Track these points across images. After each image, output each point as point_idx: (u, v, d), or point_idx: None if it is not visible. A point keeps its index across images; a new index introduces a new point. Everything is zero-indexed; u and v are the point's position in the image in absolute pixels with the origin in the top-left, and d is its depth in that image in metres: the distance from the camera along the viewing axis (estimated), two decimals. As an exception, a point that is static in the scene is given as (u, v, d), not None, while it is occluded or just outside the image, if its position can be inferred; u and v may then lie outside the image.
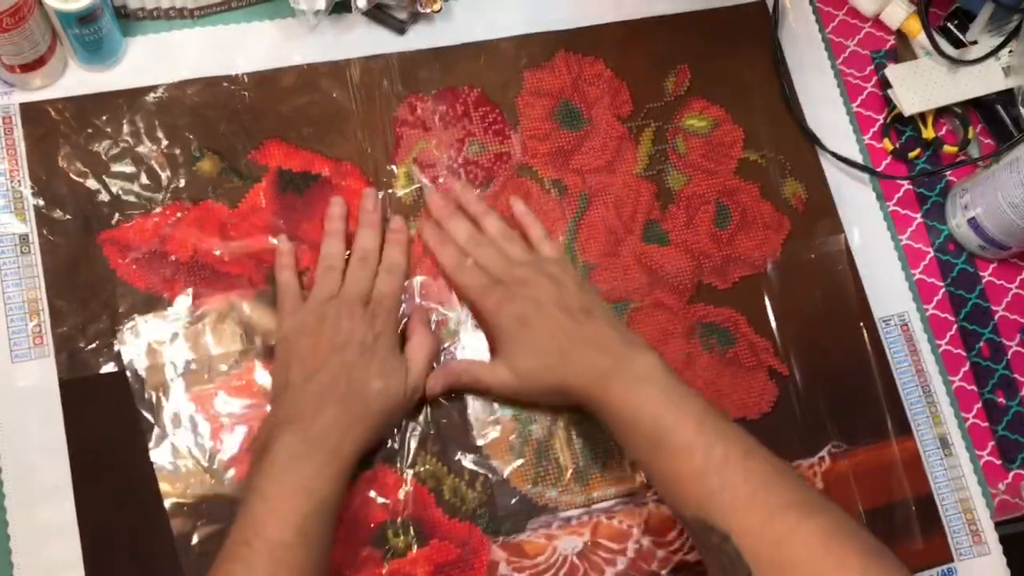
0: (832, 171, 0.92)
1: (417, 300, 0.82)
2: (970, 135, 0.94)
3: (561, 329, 0.75)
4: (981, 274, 0.92)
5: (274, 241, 0.81)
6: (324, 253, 0.81)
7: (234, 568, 0.63)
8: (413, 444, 0.78)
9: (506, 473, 0.78)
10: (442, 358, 0.80)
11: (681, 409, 0.69)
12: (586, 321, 0.76)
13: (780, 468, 0.67)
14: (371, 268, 0.80)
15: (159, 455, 0.74)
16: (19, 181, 0.79)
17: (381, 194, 0.84)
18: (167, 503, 0.73)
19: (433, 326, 0.81)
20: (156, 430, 0.75)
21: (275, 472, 0.67)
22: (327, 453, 0.69)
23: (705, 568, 0.70)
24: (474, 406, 0.80)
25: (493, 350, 0.80)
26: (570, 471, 0.79)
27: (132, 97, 0.83)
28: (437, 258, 0.82)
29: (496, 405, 0.80)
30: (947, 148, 0.94)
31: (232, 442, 0.76)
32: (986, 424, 0.87)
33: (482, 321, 0.81)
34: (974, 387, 0.88)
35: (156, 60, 0.85)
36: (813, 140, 0.92)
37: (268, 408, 0.76)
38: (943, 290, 0.90)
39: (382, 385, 0.74)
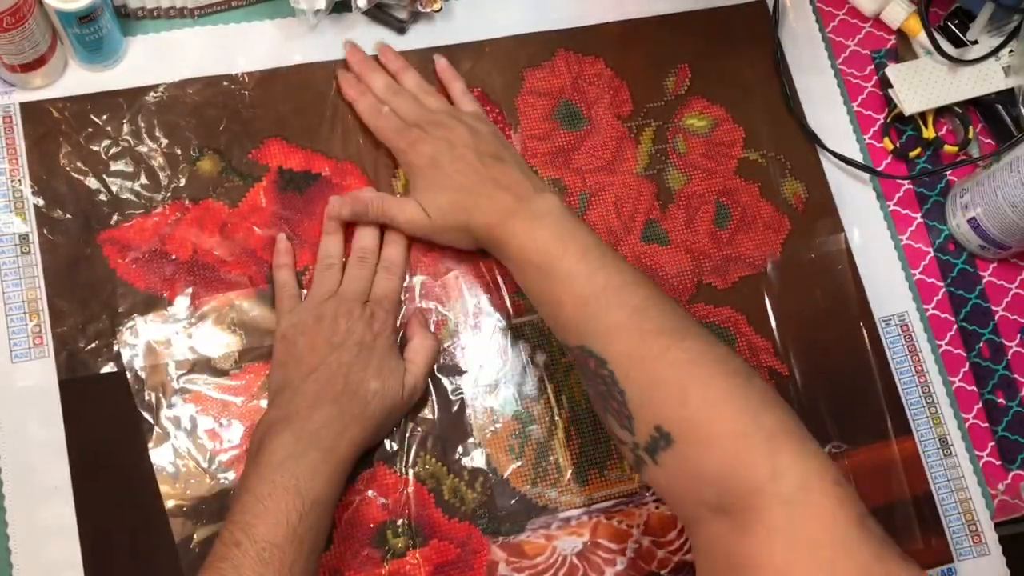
0: (832, 171, 0.92)
1: (417, 300, 0.82)
2: (970, 135, 0.94)
3: (471, 169, 0.78)
4: (981, 274, 0.92)
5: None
6: (322, 252, 0.81)
7: (223, 568, 0.63)
8: (413, 444, 0.78)
9: (506, 473, 0.78)
10: (441, 359, 0.80)
11: (570, 241, 0.72)
12: (495, 164, 0.78)
13: (659, 297, 0.69)
14: (370, 267, 0.80)
15: (159, 455, 0.74)
16: (19, 180, 0.79)
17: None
18: (167, 504, 0.73)
19: (432, 326, 0.81)
20: (156, 430, 0.75)
21: (268, 472, 0.67)
22: (322, 452, 0.69)
23: (592, 402, 0.72)
24: (474, 407, 0.80)
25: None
26: (570, 471, 0.79)
27: (132, 97, 0.83)
28: (355, 106, 0.84)
29: (496, 406, 0.80)
30: (947, 148, 0.94)
31: (232, 443, 0.76)
32: (986, 424, 0.87)
33: (398, 160, 0.83)
34: (974, 387, 0.88)
35: (156, 60, 0.85)
36: (813, 139, 0.92)
37: (263, 407, 0.76)
38: (943, 290, 0.90)
39: (379, 385, 0.74)
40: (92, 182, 0.80)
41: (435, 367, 0.80)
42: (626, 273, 0.70)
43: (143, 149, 0.82)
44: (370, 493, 0.76)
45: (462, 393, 0.80)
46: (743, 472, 0.60)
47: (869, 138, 0.95)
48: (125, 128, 0.82)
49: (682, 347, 0.65)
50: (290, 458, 0.68)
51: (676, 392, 0.64)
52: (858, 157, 0.92)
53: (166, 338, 0.77)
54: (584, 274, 0.70)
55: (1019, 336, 0.90)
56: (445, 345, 0.81)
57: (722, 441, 0.62)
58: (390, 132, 0.82)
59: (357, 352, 0.75)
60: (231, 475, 0.75)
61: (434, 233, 0.80)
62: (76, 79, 0.83)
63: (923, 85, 0.93)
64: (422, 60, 0.88)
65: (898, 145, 0.94)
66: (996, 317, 0.90)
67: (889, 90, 0.94)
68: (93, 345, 0.76)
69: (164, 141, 0.82)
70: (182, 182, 0.82)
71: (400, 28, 0.89)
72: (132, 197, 0.81)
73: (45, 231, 0.78)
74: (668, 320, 0.67)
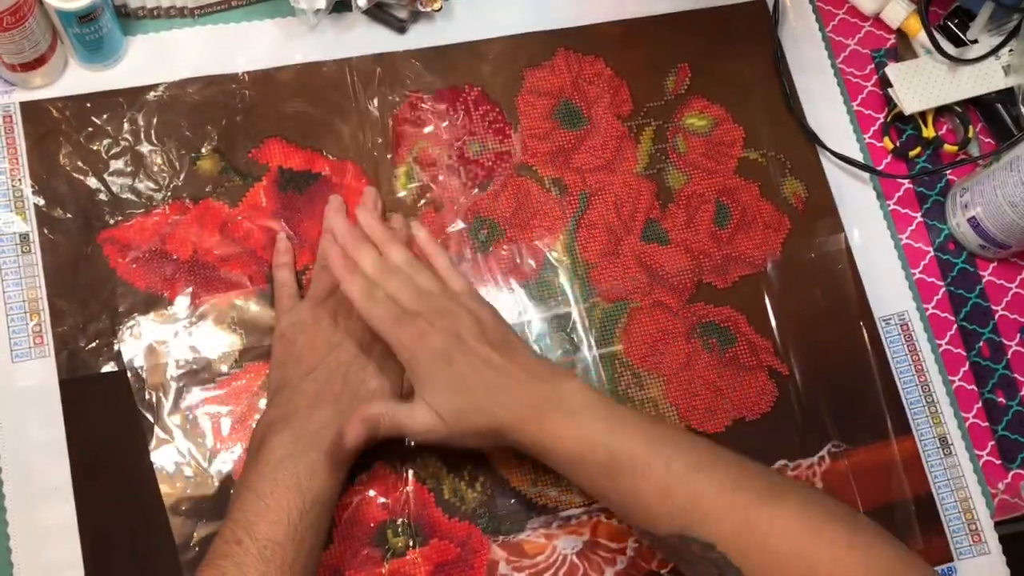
0: (832, 170, 0.92)
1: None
2: (970, 134, 0.94)
3: (486, 365, 0.71)
4: (981, 273, 0.92)
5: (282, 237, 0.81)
6: (321, 251, 0.80)
7: (224, 565, 0.63)
8: (413, 444, 0.78)
9: (506, 473, 0.78)
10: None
11: (628, 429, 0.68)
12: (510, 355, 0.72)
13: (741, 464, 0.67)
14: None
15: (159, 455, 0.74)
16: (20, 180, 0.79)
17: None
18: (167, 503, 0.73)
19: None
20: (156, 430, 0.75)
21: (268, 470, 0.67)
22: (321, 451, 0.69)
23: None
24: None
25: (408, 388, 0.75)
26: (570, 471, 0.79)
27: (132, 96, 0.83)
28: (344, 287, 0.73)
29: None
30: (947, 147, 0.94)
31: (232, 442, 0.76)
32: (986, 424, 0.87)
33: (397, 354, 0.73)
34: (974, 387, 0.88)
35: (156, 59, 0.85)
36: (813, 139, 0.92)
37: (263, 406, 0.76)
38: (943, 289, 0.90)
39: (378, 385, 0.74)
40: (92, 182, 0.80)
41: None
42: (698, 447, 0.68)
43: (143, 149, 0.82)
44: (370, 492, 0.76)
45: (462, 393, 0.80)
46: None
47: (869, 137, 0.95)
48: (125, 128, 0.82)
49: (787, 511, 0.64)
50: (290, 457, 0.68)
51: (801, 560, 0.62)
52: (858, 156, 0.92)
53: (166, 337, 0.77)
54: (658, 462, 0.66)
55: (1019, 335, 0.90)
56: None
57: None
58: (388, 321, 0.72)
59: (356, 351, 0.74)
60: (232, 474, 0.75)
61: (451, 439, 0.71)
62: (76, 79, 0.83)
63: (923, 84, 0.93)
64: (423, 60, 0.89)
65: (898, 144, 0.94)
66: (996, 316, 0.90)
67: (889, 89, 0.94)
68: (93, 345, 0.76)
69: (164, 141, 0.82)
70: (182, 182, 0.82)
71: (400, 28, 0.89)
72: (132, 197, 0.81)
73: (45, 230, 0.78)
74: (761, 484, 0.66)
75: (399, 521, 0.76)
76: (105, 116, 0.82)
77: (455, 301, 0.74)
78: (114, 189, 0.80)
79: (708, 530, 0.64)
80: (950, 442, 0.85)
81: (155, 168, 0.82)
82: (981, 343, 0.89)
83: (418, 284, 0.74)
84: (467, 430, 0.71)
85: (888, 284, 0.89)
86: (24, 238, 0.78)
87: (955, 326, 0.89)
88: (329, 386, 0.72)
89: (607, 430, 0.67)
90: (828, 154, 0.92)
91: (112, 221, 0.80)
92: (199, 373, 0.77)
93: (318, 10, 0.85)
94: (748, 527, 0.63)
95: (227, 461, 0.75)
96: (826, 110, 0.94)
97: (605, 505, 0.71)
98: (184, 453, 0.75)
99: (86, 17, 0.77)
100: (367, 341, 0.75)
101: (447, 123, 0.87)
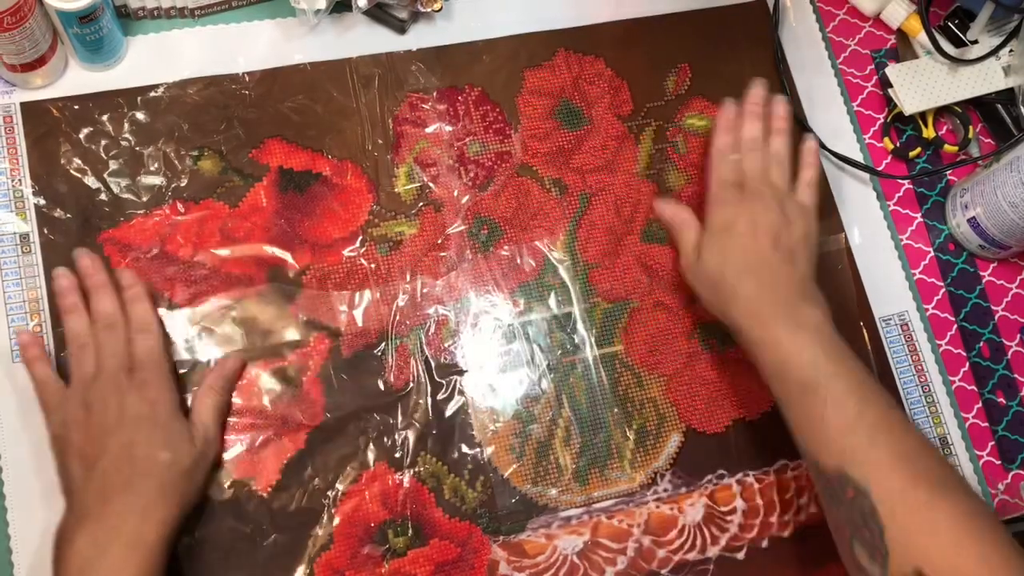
0: (832, 170, 0.92)
1: (419, 299, 0.82)
2: (970, 134, 0.94)
3: (758, 253, 0.77)
4: (981, 274, 0.92)
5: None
6: (70, 333, 0.74)
7: None
8: (413, 444, 0.78)
9: (506, 473, 0.78)
10: (442, 359, 0.80)
11: (842, 364, 0.70)
12: (783, 261, 0.77)
13: (927, 444, 0.68)
14: (120, 332, 0.74)
15: (159, 455, 0.74)
16: (20, 180, 0.79)
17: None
18: (167, 503, 0.73)
19: (433, 326, 0.81)
20: (156, 430, 0.75)
21: None
22: (125, 547, 0.65)
23: (829, 521, 0.70)
24: (474, 406, 0.80)
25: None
26: (570, 471, 0.79)
27: (133, 96, 0.83)
28: (714, 134, 0.85)
29: (496, 406, 0.80)
30: (947, 147, 0.94)
31: (231, 442, 0.76)
32: (986, 424, 0.87)
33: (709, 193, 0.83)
34: (974, 387, 0.88)
35: (157, 59, 0.85)
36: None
37: (266, 405, 0.76)
38: (943, 290, 0.90)
39: (170, 455, 0.69)
40: (92, 182, 0.80)
41: (434, 367, 0.80)
42: (895, 412, 0.69)
43: (143, 149, 0.82)
44: (370, 493, 0.76)
45: (463, 393, 0.80)
46: None
47: (869, 138, 0.95)
48: (125, 128, 0.82)
49: (955, 500, 0.64)
50: (89, 563, 0.64)
51: (950, 543, 0.62)
52: (858, 157, 0.92)
53: (166, 337, 0.77)
54: (856, 403, 0.68)
55: (1019, 336, 0.90)
56: (445, 345, 0.81)
57: None
58: (717, 181, 0.82)
59: (137, 428, 0.69)
60: (230, 475, 0.75)
61: (692, 275, 0.81)
62: (76, 79, 0.83)
63: (923, 85, 0.93)
64: (423, 60, 0.89)
65: (898, 145, 0.94)
66: (996, 317, 0.90)
67: (889, 90, 0.94)
68: (93, 345, 0.76)
69: (164, 141, 0.82)
70: (182, 182, 0.82)
71: (400, 28, 0.89)
72: (132, 197, 0.81)
73: (46, 231, 0.78)
74: (938, 470, 0.66)
75: (399, 521, 0.76)
76: (105, 116, 0.82)
77: (781, 201, 0.80)
78: (114, 189, 0.80)
79: (871, 481, 0.65)
80: (950, 442, 0.85)
81: (155, 168, 0.82)
82: (981, 343, 0.89)
83: (770, 173, 0.83)
84: (705, 283, 0.79)
85: (888, 284, 0.89)
86: (24, 238, 0.78)
87: (955, 326, 0.89)
88: (117, 475, 0.67)
89: (821, 354, 0.71)
90: (828, 154, 0.92)
91: (112, 221, 0.80)
92: (199, 373, 0.77)
93: (318, 10, 0.85)
94: (908, 494, 0.64)
95: (227, 461, 0.75)
96: (826, 110, 0.94)
97: (785, 416, 0.73)
98: (184, 453, 0.75)
99: (86, 17, 0.77)
100: (147, 413, 0.70)
101: (447, 123, 0.87)
